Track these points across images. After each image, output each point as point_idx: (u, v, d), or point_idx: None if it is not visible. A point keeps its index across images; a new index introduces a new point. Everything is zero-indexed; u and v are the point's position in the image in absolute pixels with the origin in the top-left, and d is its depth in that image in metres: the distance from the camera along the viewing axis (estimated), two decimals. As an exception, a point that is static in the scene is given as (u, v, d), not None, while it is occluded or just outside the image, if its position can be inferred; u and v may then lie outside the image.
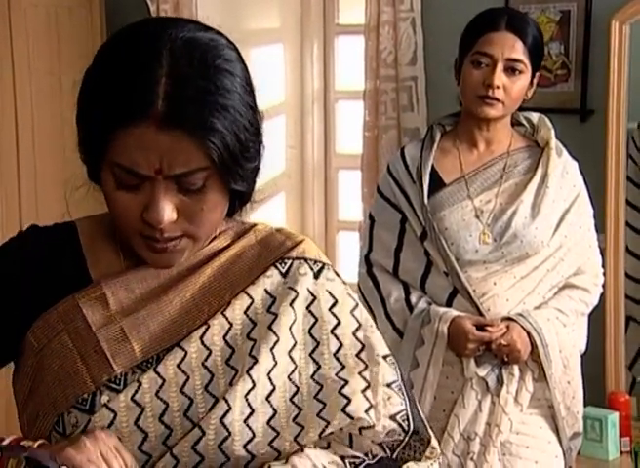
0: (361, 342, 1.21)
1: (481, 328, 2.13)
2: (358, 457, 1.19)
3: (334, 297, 1.22)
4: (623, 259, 2.72)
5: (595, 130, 2.77)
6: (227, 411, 1.12)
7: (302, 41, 3.59)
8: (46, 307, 1.17)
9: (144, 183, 1.08)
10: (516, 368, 2.15)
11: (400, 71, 3.12)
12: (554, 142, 2.23)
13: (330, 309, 1.21)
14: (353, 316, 1.22)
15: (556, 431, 2.19)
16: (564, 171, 2.23)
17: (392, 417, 1.19)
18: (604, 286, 2.65)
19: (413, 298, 2.20)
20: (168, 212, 1.08)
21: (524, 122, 2.29)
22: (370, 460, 1.19)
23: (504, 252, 2.16)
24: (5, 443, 1.07)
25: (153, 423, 1.11)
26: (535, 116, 2.29)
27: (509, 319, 2.15)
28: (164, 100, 1.04)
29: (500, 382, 2.15)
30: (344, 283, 1.25)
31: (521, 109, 2.25)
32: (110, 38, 1.13)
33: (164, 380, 1.13)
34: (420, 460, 1.22)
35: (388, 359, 1.22)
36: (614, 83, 2.65)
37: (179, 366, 1.13)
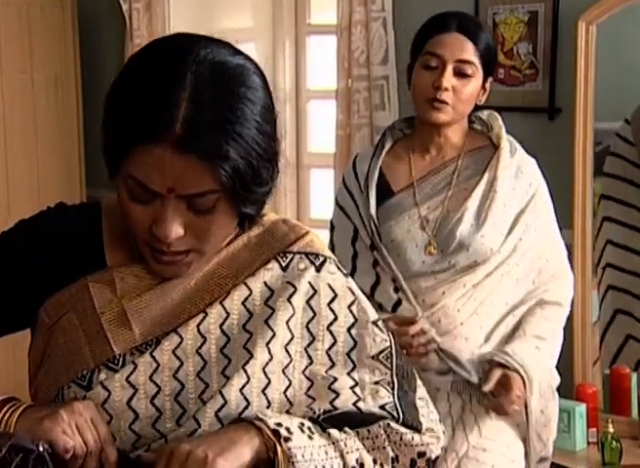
0: (354, 340, 1.24)
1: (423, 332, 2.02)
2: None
3: (334, 291, 1.25)
4: (590, 255, 2.76)
5: (563, 128, 2.81)
6: (223, 405, 1.15)
7: (274, 40, 3.61)
8: (60, 284, 1.21)
9: (155, 199, 1.11)
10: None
11: (372, 70, 3.16)
12: (505, 141, 2.12)
13: (329, 304, 1.24)
14: (350, 311, 1.25)
15: (518, 434, 2.10)
16: (518, 171, 2.12)
17: (382, 407, 1.23)
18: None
19: None
20: (175, 228, 1.11)
21: (475, 120, 2.19)
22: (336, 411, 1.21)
23: (451, 262, 2.06)
24: None
25: (145, 405, 1.15)
26: (485, 113, 2.19)
27: (499, 364, 2.01)
28: (182, 124, 1.06)
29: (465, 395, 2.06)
30: (346, 276, 1.28)
31: (485, 108, 2.16)
32: (142, 49, 1.15)
33: (158, 364, 1.16)
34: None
35: (382, 355, 1.25)
36: (581, 82, 2.69)
37: (174, 351, 1.17)
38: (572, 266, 2.70)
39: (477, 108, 2.14)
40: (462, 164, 2.12)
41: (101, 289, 1.20)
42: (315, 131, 3.65)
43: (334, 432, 1.18)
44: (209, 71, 1.09)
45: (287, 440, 1.13)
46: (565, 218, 2.73)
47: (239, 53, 1.15)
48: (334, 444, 1.17)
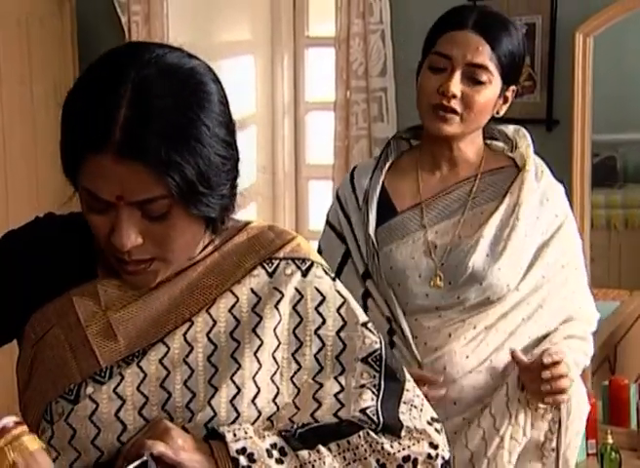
0: (343, 342, 1.23)
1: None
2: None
3: (322, 294, 1.24)
4: (589, 267, 2.76)
5: (561, 139, 2.82)
6: (213, 417, 1.15)
7: (273, 53, 3.62)
8: (51, 294, 1.21)
9: (110, 208, 1.09)
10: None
11: (370, 82, 3.16)
12: (532, 161, 1.85)
13: (316, 308, 1.23)
14: (339, 314, 1.24)
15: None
16: (543, 197, 1.84)
17: (362, 411, 1.21)
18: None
19: None
20: (132, 236, 1.10)
21: (498, 136, 1.92)
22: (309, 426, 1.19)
23: (460, 297, 1.76)
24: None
25: (133, 415, 1.15)
26: (510, 129, 1.92)
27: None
28: (121, 130, 1.04)
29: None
30: (334, 280, 1.27)
31: (499, 120, 1.89)
32: (92, 62, 1.14)
33: (145, 375, 1.16)
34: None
35: (371, 358, 1.24)
36: (579, 94, 2.70)
37: (160, 361, 1.16)
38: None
39: (498, 121, 1.89)
40: (480, 185, 1.84)
41: (85, 302, 1.20)
42: (314, 142, 3.66)
43: (304, 454, 1.15)
44: (155, 75, 1.06)
45: None
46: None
47: (192, 56, 1.13)
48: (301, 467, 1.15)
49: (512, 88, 1.85)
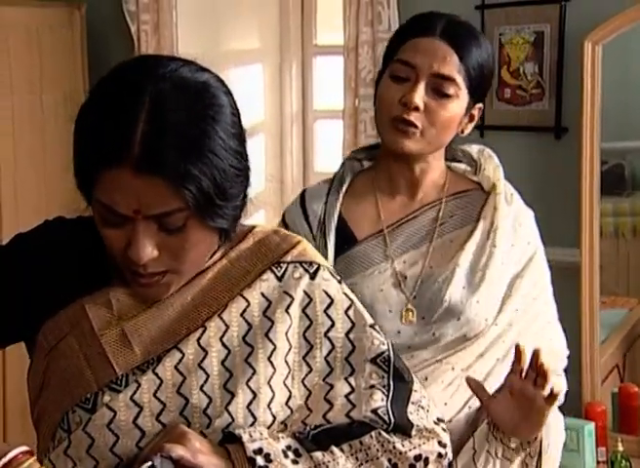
0: (352, 344, 1.25)
1: None
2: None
3: (330, 297, 1.25)
4: (598, 275, 2.75)
5: (569, 147, 2.82)
6: (230, 423, 1.16)
7: (281, 61, 3.63)
8: (63, 297, 1.21)
9: (126, 222, 1.10)
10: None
11: (378, 90, 3.17)
12: (503, 185, 1.69)
13: (325, 310, 1.24)
14: (347, 316, 1.26)
15: None
16: (516, 223, 1.69)
17: (374, 411, 1.22)
18: (580, 301, 2.71)
19: None
20: (148, 250, 1.10)
21: (461, 157, 1.75)
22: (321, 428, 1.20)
23: (436, 333, 1.60)
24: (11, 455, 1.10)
25: (151, 422, 1.15)
26: (474, 149, 1.75)
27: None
28: (140, 145, 1.05)
29: None
30: (340, 282, 1.29)
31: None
32: (106, 74, 1.15)
33: (161, 381, 1.16)
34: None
35: (379, 359, 1.25)
36: (587, 101, 2.70)
37: (176, 367, 1.17)
38: (579, 285, 2.73)
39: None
40: (446, 210, 1.68)
41: (98, 310, 1.20)
42: (322, 150, 3.67)
43: (318, 455, 1.17)
44: (169, 89, 1.07)
45: None
46: (572, 238, 2.74)
47: (204, 70, 1.14)
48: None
49: (479, 106, 1.68)
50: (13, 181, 3.37)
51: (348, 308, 1.26)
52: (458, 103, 1.62)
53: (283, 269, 1.24)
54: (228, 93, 1.15)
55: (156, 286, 1.17)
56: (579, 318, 2.71)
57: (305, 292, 1.24)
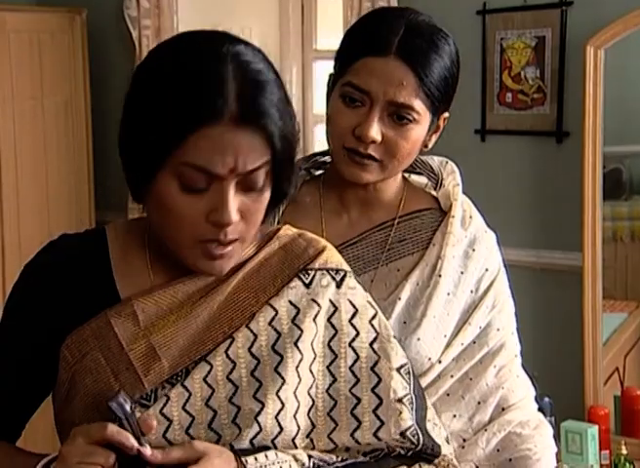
0: (377, 354, 1.23)
1: None
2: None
3: (354, 307, 1.24)
4: (600, 278, 2.77)
5: (571, 151, 2.83)
6: (258, 432, 1.14)
7: (281, 66, 3.64)
8: (74, 319, 1.19)
9: (212, 184, 1.10)
10: None
11: (379, 95, 3.18)
12: (460, 205, 1.50)
13: (350, 320, 1.23)
14: (372, 325, 1.24)
15: None
16: (470, 248, 1.49)
17: (402, 434, 1.21)
18: (582, 304, 2.72)
19: None
20: (236, 212, 1.11)
21: (421, 169, 1.57)
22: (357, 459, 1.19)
23: None
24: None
25: (180, 435, 1.14)
26: (436, 161, 1.57)
27: None
28: (236, 100, 1.07)
29: None
30: (365, 290, 1.27)
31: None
32: (162, 46, 1.16)
33: (190, 394, 1.15)
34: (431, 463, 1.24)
35: (403, 370, 1.24)
36: (589, 106, 2.71)
37: (204, 379, 1.16)
38: (582, 289, 2.74)
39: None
40: (397, 233, 1.50)
41: (124, 323, 1.18)
42: (322, 155, 3.67)
43: None
44: (243, 48, 1.12)
45: None
46: (575, 241, 2.76)
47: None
48: None
49: (444, 115, 1.49)
50: (14, 185, 3.36)
51: (373, 318, 1.25)
52: (419, 128, 1.43)
53: (310, 276, 1.22)
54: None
55: (226, 257, 1.15)
56: (581, 321, 2.73)
57: (331, 301, 1.22)
